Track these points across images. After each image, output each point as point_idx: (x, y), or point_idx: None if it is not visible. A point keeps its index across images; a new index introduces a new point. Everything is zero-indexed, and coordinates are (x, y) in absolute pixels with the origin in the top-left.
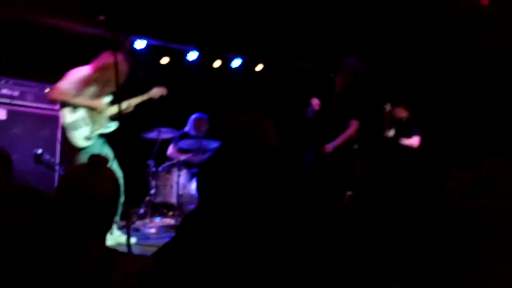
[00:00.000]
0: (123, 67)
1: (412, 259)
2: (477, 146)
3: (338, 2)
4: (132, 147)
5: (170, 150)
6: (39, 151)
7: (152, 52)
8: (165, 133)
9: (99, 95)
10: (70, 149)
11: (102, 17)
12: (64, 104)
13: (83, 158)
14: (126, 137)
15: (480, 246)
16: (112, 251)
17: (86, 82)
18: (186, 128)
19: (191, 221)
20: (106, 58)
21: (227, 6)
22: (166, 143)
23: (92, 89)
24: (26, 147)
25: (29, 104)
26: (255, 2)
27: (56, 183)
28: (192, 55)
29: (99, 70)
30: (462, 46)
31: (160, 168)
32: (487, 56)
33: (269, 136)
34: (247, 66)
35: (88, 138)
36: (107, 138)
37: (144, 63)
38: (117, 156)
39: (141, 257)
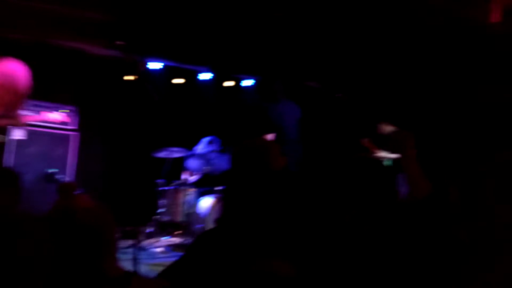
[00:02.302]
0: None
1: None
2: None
3: (345, 23)
4: (143, 166)
5: (183, 175)
6: (52, 170)
7: (167, 73)
8: (176, 153)
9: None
10: None
11: (120, 42)
12: None
13: None
14: (137, 155)
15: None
16: (129, 272)
17: None
18: (197, 148)
19: (204, 241)
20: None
21: (237, 29)
22: (176, 162)
23: None
24: (40, 166)
25: (45, 124)
26: (263, 24)
27: None
28: (205, 76)
29: None
30: (469, 64)
31: (168, 187)
32: (496, 74)
33: (273, 159)
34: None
35: None
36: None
37: (159, 84)
38: (127, 174)
39: (158, 279)
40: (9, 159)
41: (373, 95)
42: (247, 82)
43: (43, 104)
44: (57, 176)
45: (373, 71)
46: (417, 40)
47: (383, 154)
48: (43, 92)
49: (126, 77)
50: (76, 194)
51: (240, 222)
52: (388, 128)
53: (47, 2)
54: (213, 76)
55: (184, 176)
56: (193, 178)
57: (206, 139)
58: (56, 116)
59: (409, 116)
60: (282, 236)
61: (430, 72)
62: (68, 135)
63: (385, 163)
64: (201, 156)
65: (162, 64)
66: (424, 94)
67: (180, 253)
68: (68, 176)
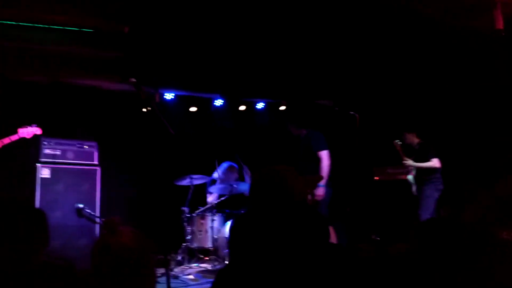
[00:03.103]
0: None
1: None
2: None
3: (355, 42)
4: (166, 194)
5: (209, 199)
6: (80, 205)
7: (181, 102)
8: (197, 180)
9: None
10: None
11: (133, 79)
12: None
13: None
14: (159, 185)
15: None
16: None
17: None
18: (216, 174)
19: (224, 278)
20: None
21: (246, 53)
22: (198, 188)
23: None
24: (68, 203)
25: (70, 161)
26: (273, 45)
27: (97, 235)
28: (218, 102)
29: None
30: (477, 70)
31: (194, 214)
32: (503, 79)
33: (295, 188)
34: (271, 107)
35: None
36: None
37: (175, 114)
38: (152, 203)
39: None
40: (37, 198)
41: (387, 110)
42: (260, 105)
43: (65, 142)
44: (85, 211)
45: (385, 86)
46: (425, 51)
47: (409, 162)
48: (63, 130)
49: (143, 110)
50: (120, 229)
51: (259, 254)
52: (414, 139)
53: (59, 44)
54: (225, 102)
55: (209, 201)
56: (217, 200)
57: (224, 165)
58: (33, 130)
59: (430, 126)
60: (302, 269)
61: (439, 80)
62: (93, 169)
63: (408, 177)
64: (222, 181)
65: (173, 94)
66: (435, 102)
67: (211, 279)
68: (96, 210)
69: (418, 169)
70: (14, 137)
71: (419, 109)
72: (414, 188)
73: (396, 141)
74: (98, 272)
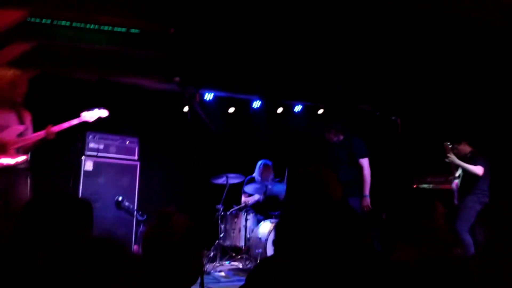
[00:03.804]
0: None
1: None
2: None
3: (397, 45)
4: (203, 191)
5: (243, 199)
6: (120, 198)
7: (220, 103)
8: (233, 179)
9: None
10: None
11: (177, 79)
12: None
13: None
14: (197, 182)
15: None
16: None
17: None
18: (253, 174)
19: (262, 270)
20: None
21: (285, 55)
22: (233, 187)
23: None
24: (109, 195)
25: (112, 156)
26: (312, 48)
27: (134, 227)
28: (256, 104)
29: None
30: None
31: (228, 212)
32: None
33: (332, 188)
34: (309, 110)
35: None
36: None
37: (213, 114)
38: (188, 200)
39: None
40: (81, 189)
41: (431, 115)
42: (298, 108)
43: (108, 136)
44: (124, 203)
45: (430, 90)
46: (472, 54)
47: (452, 158)
48: (107, 126)
49: (184, 108)
50: (173, 219)
51: (299, 251)
52: (466, 148)
53: (108, 44)
54: (263, 104)
55: (243, 200)
56: (251, 201)
57: (258, 164)
58: (98, 112)
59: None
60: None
61: (491, 85)
62: (133, 164)
63: (453, 186)
64: (258, 181)
65: (212, 94)
66: (485, 108)
67: (242, 278)
68: (134, 203)
69: (462, 179)
70: (74, 121)
71: (468, 116)
72: (456, 199)
73: (447, 143)
74: (147, 259)
